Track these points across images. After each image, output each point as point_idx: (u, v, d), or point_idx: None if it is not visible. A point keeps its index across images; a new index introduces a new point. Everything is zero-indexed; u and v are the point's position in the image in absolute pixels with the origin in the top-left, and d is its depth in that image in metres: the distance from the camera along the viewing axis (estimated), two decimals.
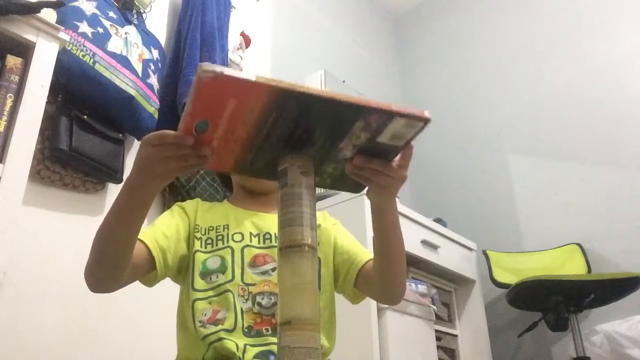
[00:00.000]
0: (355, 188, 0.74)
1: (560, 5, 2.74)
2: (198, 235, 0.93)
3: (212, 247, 0.91)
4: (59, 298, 1.33)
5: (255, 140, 0.63)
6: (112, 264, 0.76)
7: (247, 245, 0.91)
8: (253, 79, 0.54)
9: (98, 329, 1.38)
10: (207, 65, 0.52)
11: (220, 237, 0.92)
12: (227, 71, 0.53)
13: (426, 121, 0.60)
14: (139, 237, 0.82)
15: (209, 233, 0.93)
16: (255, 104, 0.57)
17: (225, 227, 0.94)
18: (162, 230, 0.89)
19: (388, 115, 0.59)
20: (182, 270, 0.92)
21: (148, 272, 0.85)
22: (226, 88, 0.54)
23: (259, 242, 0.92)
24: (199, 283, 0.88)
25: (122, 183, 0.72)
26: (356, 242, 1.01)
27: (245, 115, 0.58)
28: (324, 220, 1.02)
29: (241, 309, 0.85)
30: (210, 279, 0.88)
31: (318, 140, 0.64)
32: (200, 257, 0.90)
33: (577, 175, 2.40)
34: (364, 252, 0.98)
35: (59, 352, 1.30)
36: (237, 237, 0.92)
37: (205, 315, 0.85)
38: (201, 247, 0.91)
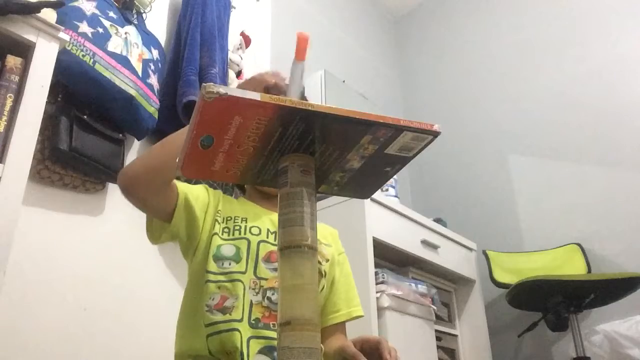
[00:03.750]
0: (362, 194, 0.73)
1: (559, 6, 2.74)
2: (219, 219, 0.96)
3: (229, 235, 0.94)
4: (59, 298, 1.33)
5: (261, 154, 0.63)
6: (165, 172, 0.83)
7: (264, 241, 0.94)
8: (258, 98, 0.54)
9: (98, 328, 1.38)
10: (211, 86, 0.52)
11: (237, 228, 0.95)
12: (232, 92, 0.53)
13: (435, 134, 0.60)
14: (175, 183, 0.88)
15: (227, 222, 0.96)
16: (261, 121, 0.57)
17: (244, 219, 0.97)
18: (192, 192, 0.94)
19: (396, 130, 0.59)
20: (193, 246, 0.94)
21: (167, 219, 0.90)
22: (230, 107, 0.54)
23: (275, 240, 0.95)
24: (212, 265, 0.90)
25: None
26: (349, 287, 1.04)
27: (251, 131, 0.58)
28: (334, 241, 1.07)
29: (251, 301, 0.87)
30: (222, 264, 0.90)
31: (325, 152, 0.64)
32: (216, 241, 0.92)
33: (577, 176, 2.40)
34: (351, 303, 1.01)
35: (59, 352, 1.30)
36: (255, 231, 0.95)
37: (213, 299, 0.87)
38: (219, 232, 0.94)
